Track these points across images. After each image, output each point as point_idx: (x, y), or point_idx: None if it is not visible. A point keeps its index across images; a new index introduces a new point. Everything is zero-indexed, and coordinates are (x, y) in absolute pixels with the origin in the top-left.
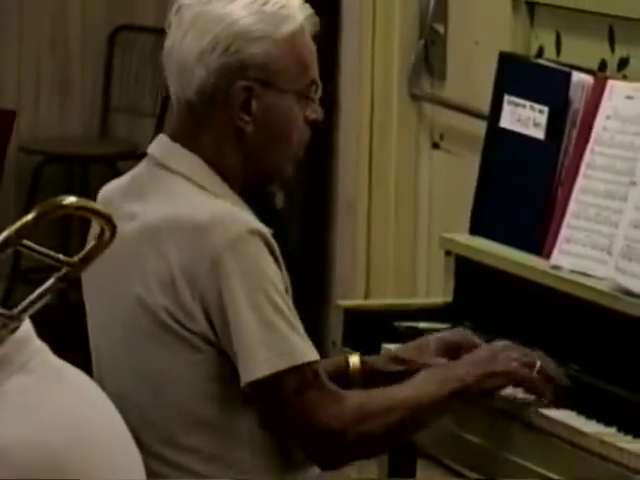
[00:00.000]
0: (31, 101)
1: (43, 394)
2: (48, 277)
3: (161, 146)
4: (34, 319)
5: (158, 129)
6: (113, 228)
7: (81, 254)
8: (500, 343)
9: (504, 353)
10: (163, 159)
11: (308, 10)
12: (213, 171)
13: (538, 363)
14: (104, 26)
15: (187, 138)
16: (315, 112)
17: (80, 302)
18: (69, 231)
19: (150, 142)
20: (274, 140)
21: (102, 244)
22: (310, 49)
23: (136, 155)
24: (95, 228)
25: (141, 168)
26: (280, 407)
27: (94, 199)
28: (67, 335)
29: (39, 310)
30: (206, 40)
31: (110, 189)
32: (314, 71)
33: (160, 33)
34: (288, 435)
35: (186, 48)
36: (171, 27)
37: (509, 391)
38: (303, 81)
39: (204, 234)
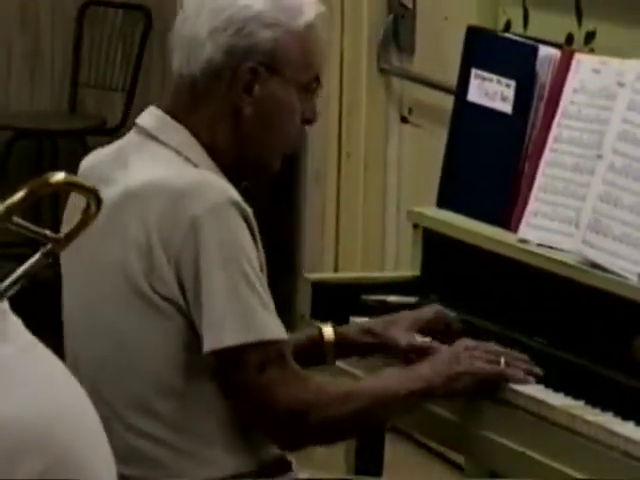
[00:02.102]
0: (1, 77)
1: (26, 365)
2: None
3: (152, 118)
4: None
5: (128, 104)
6: (99, 202)
7: (67, 230)
8: (463, 342)
9: (467, 352)
10: (153, 130)
11: (322, 8)
12: (202, 148)
13: (502, 359)
14: (73, 1)
15: (182, 112)
16: (312, 112)
17: (46, 279)
18: (39, 202)
19: (122, 117)
20: (269, 128)
21: (88, 218)
22: (320, 45)
23: (105, 130)
24: (73, 202)
25: (129, 138)
26: (241, 382)
27: None
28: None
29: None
30: (220, 19)
31: (95, 157)
32: (320, 68)
33: (129, 8)
34: (247, 411)
35: (200, 24)
36: (186, 2)
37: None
38: (308, 75)
39: (185, 199)
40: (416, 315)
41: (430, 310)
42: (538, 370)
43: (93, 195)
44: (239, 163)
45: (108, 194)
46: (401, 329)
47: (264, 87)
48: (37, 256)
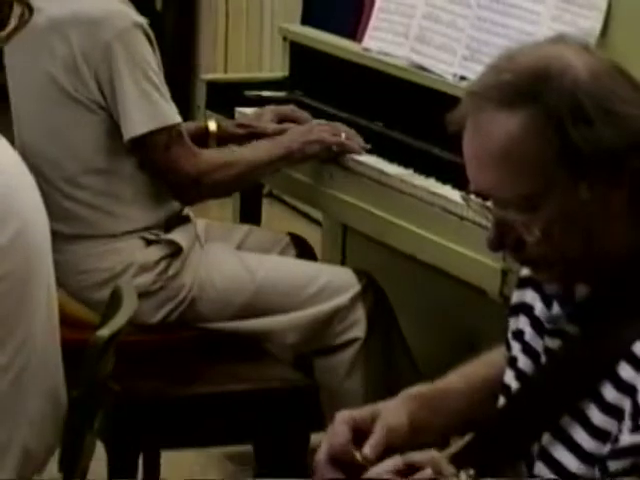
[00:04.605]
0: None
1: None
2: None
3: None
4: None
5: None
6: (31, 10)
7: (7, 30)
8: (315, 122)
9: (318, 127)
10: None
11: None
12: None
13: (343, 133)
14: None
15: None
16: None
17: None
18: None
19: None
20: None
21: (22, 23)
22: None
23: None
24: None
25: None
26: (153, 158)
27: None
28: None
29: None
30: None
31: None
32: None
33: None
34: (159, 179)
35: None
36: None
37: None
38: None
39: (99, 26)
40: (276, 110)
41: (287, 107)
42: (367, 145)
43: (26, 5)
44: None
45: (37, 20)
46: (266, 121)
47: None
48: None
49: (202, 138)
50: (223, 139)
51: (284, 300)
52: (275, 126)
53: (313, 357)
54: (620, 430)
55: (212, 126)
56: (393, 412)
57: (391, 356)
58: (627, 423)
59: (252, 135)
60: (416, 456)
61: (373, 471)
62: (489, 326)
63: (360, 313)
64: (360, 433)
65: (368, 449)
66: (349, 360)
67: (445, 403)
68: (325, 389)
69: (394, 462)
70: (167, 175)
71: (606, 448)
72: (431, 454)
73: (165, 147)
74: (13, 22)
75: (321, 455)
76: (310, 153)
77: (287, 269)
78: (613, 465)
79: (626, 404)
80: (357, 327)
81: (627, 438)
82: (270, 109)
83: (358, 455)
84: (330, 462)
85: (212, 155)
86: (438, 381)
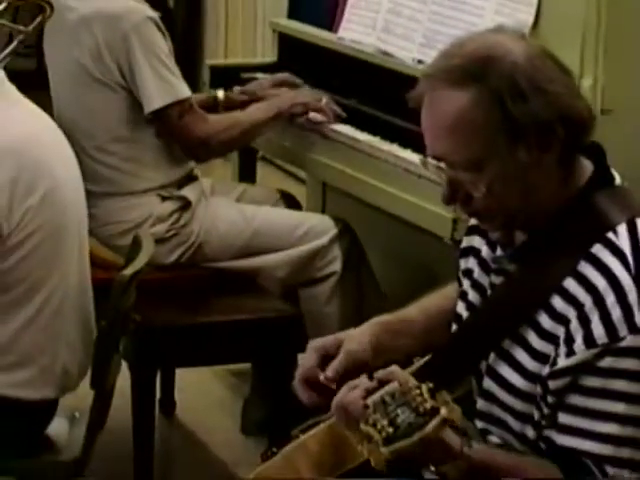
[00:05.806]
0: None
1: (4, 109)
2: None
3: None
4: (23, 76)
5: None
6: (51, 7)
7: (33, 24)
8: (301, 89)
9: (303, 92)
10: None
11: None
12: None
13: (324, 99)
14: None
15: None
16: None
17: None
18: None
19: None
20: None
21: (45, 18)
22: None
23: None
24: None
25: None
26: (169, 126)
27: None
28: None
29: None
30: None
31: None
32: None
33: None
34: (175, 143)
35: None
36: None
37: (310, 116)
38: None
39: (118, 20)
40: (274, 78)
41: (282, 75)
42: (343, 113)
43: (48, 4)
44: None
45: (70, 17)
46: (266, 89)
47: None
48: (15, 44)
49: (212, 105)
50: (230, 105)
51: (275, 242)
52: (273, 92)
53: (298, 288)
54: (557, 354)
55: (220, 95)
56: (356, 338)
57: (362, 287)
58: (563, 349)
59: (254, 101)
60: (381, 373)
61: (350, 394)
62: (443, 264)
63: (337, 252)
64: (328, 358)
65: (330, 371)
66: (328, 290)
67: (407, 328)
68: (308, 315)
69: (367, 384)
70: (182, 139)
71: (545, 369)
72: (393, 368)
73: (178, 116)
74: (40, 17)
75: (296, 378)
76: (295, 113)
77: (277, 217)
78: (553, 384)
79: (560, 332)
80: (334, 263)
81: (564, 362)
82: (268, 77)
83: (322, 376)
84: (303, 383)
85: (218, 120)
86: (401, 310)
